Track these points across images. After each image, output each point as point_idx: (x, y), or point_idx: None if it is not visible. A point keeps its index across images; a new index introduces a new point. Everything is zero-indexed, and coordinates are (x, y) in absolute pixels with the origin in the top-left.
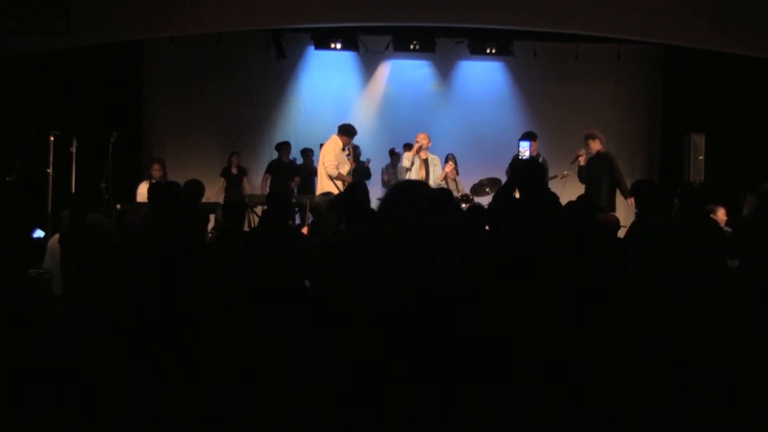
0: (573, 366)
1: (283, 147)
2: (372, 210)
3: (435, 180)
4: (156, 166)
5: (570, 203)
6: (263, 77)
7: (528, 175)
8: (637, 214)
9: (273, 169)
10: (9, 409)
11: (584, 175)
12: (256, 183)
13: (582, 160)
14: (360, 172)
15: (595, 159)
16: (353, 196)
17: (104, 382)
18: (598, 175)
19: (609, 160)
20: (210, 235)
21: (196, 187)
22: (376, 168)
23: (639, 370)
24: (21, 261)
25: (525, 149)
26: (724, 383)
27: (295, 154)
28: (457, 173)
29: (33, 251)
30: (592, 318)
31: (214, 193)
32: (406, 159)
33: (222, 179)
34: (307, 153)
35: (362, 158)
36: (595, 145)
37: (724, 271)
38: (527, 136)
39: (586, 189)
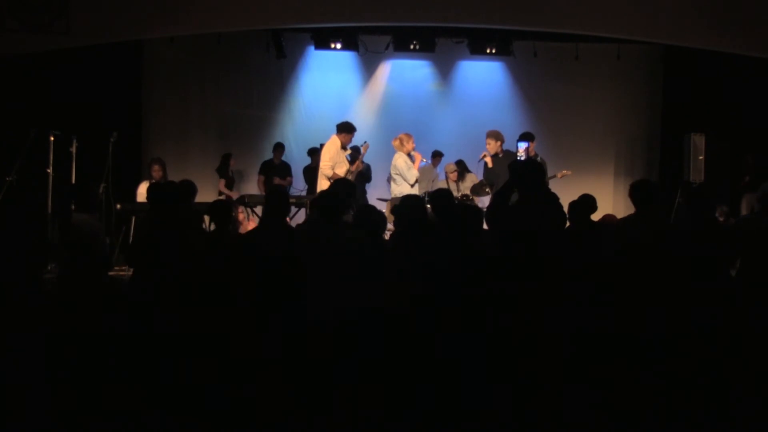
0: (572, 366)
1: (277, 148)
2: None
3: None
4: (156, 167)
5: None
6: (263, 77)
7: (527, 175)
8: (630, 214)
9: (265, 169)
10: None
11: (491, 176)
12: (253, 183)
13: (489, 161)
14: (359, 174)
15: (502, 160)
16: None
17: (104, 381)
18: (504, 177)
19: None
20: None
21: (187, 187)
22: (376, 168)
23: (639, 370)
24: (22, 261)
25: (523, 150)
26: (725, 384)
27: (301, 154)
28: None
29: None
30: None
31: (215, 193)
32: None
33: (222, 180)
34: (315, 153)
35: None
36: (494, 147)
37: (728, 273)
38: (525, 137)
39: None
